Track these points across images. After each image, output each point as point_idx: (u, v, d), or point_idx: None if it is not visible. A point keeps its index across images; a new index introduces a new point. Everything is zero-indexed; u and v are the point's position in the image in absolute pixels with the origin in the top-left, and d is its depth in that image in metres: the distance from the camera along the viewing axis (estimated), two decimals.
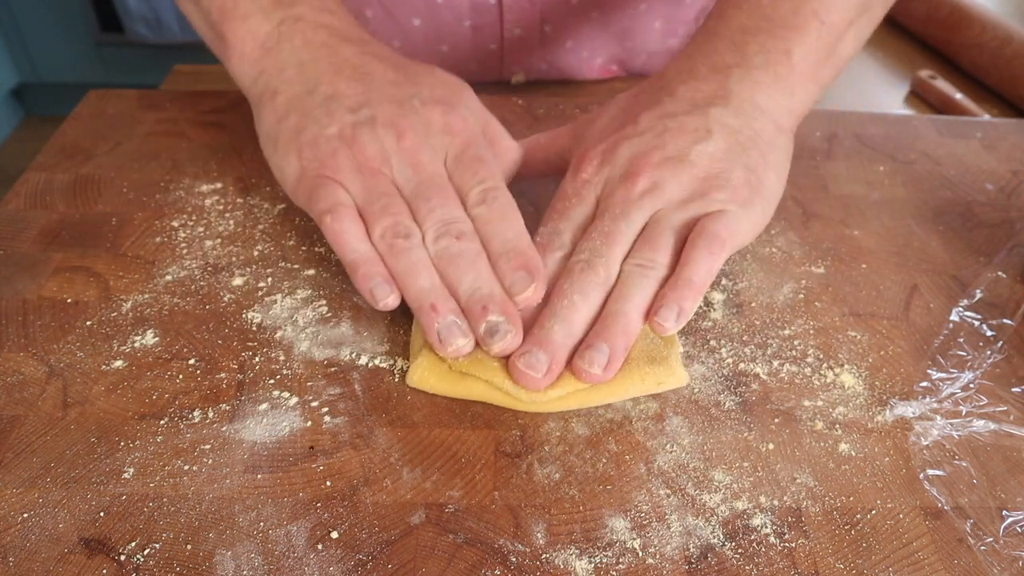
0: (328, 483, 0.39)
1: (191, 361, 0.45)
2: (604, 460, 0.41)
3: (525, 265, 0.43)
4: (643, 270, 0.44)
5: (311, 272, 0.51)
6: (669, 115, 0.49)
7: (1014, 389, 0.46)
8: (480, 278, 0.43)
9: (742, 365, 0.46)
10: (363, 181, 0.47)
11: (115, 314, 0.47)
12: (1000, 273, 0.53)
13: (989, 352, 0.48)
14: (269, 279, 0.50)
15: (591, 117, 0.54)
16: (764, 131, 0.49)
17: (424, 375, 0.43)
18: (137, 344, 0.45)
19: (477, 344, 0.43)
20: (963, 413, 0.44)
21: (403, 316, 0.48)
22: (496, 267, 0.44)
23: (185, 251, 0.52)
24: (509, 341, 0.41)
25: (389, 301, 0.44)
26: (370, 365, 0.45)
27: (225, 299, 0.49)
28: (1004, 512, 0.39)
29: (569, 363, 0.42)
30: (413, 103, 0.49)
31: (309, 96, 0.50)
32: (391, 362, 0.45)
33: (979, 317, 0.50)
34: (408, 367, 0.44)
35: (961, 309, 0.50)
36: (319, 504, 0.38)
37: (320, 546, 0.37)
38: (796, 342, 0.48)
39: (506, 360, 0.42)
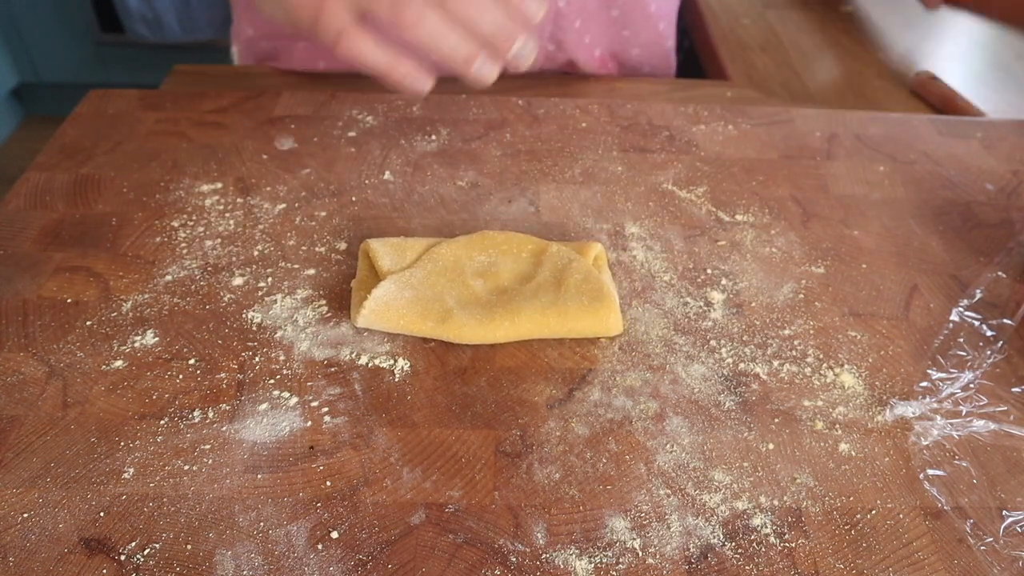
0: (328, 483, 0.39)
1: (191, 361, 0.45)
2: (604, 460, 0.41)
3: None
4: None
5: (311, 272, 0.51)
6: None
7: (1014, 389, 0.46)
8: (496, 18, 0.47)
9: (742, 365, 0.46)
10: None
11: (115, 314, 0.47)
12: (1000, 273, 0.53)
13: (989, 352, 0.48)
14: (269, 279, 0.50)
15: None
16: None
17: (370, 316, 0.46)
18: (137, 344, 0.45)
19: (416, 306, 0.46)
20: (963, 413, 0.44)
21: None
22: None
23: (185, 251, 0.52)
24: (531, 55, 0.48)
25: (426, 86, 0.49)
26: (370, 365, 0.45)
27: (225, 299, 0.49)
28: (1004, 512, 0.39)
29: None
30: None
31: None
32: (391, 362, 0.45)
33: (979, 317, 0.50)
34: (359, 310, 0.46)
35: (961, 309, 0.50)
36: (319, 504, 0.38)
37: (320, 546, 0.37)
38: (796, 342, 0.48)
39: (439, 318, 0.46)
